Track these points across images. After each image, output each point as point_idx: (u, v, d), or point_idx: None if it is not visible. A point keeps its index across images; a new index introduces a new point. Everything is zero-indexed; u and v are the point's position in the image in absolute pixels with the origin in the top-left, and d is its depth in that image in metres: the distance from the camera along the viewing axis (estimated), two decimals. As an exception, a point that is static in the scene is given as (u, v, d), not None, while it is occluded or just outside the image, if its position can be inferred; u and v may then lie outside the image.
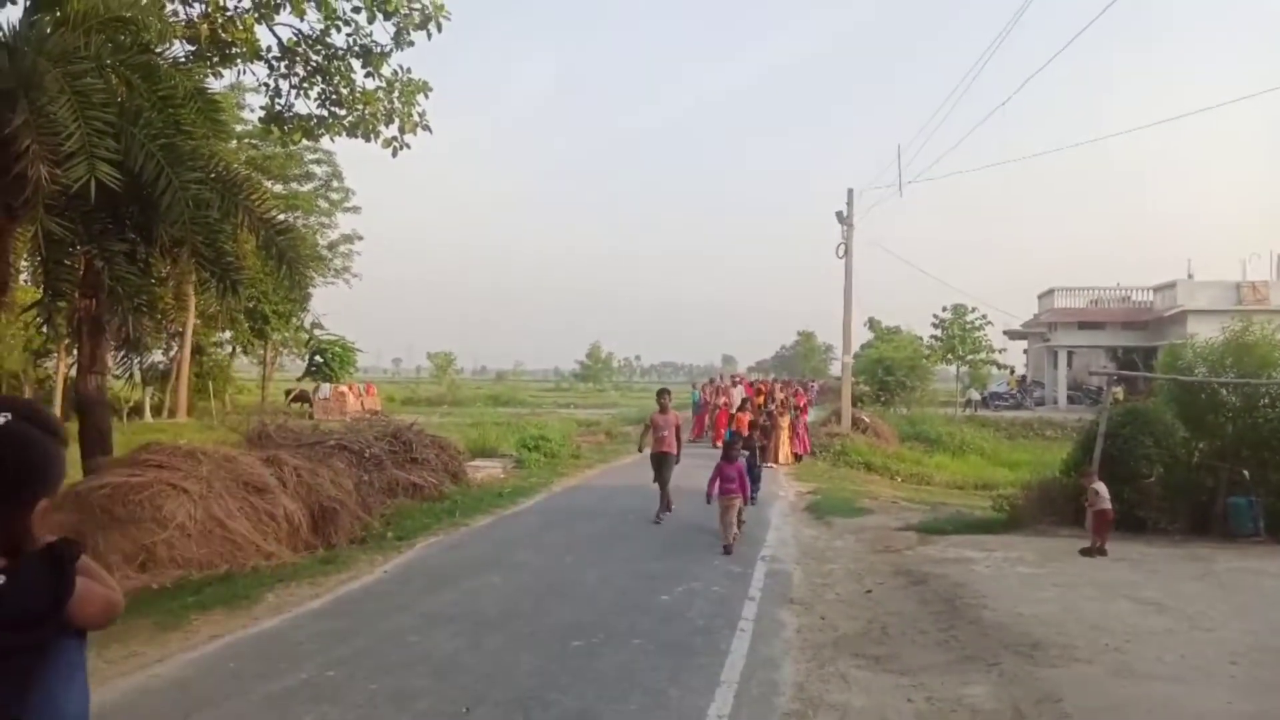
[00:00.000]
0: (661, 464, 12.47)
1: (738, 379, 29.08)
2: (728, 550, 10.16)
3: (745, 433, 16.82)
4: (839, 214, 26.23)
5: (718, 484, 10.66)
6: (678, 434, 12.57)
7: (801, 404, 25.93)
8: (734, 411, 22.80)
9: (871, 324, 49.90)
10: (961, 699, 5.53)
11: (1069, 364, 43.97)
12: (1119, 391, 21.81)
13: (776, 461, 20.49)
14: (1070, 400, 41.92)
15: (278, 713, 5.08)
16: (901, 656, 6.50)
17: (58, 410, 29.78)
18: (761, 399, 24.11)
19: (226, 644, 6.48)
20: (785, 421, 22.00)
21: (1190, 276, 40.60)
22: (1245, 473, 11.45)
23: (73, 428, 14.04)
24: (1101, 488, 10.44)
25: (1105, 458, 11.57)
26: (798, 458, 22.22)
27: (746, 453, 11.91)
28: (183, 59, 11.82)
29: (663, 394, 13.11)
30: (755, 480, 13.12)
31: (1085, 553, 10.05)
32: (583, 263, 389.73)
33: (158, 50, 10.49)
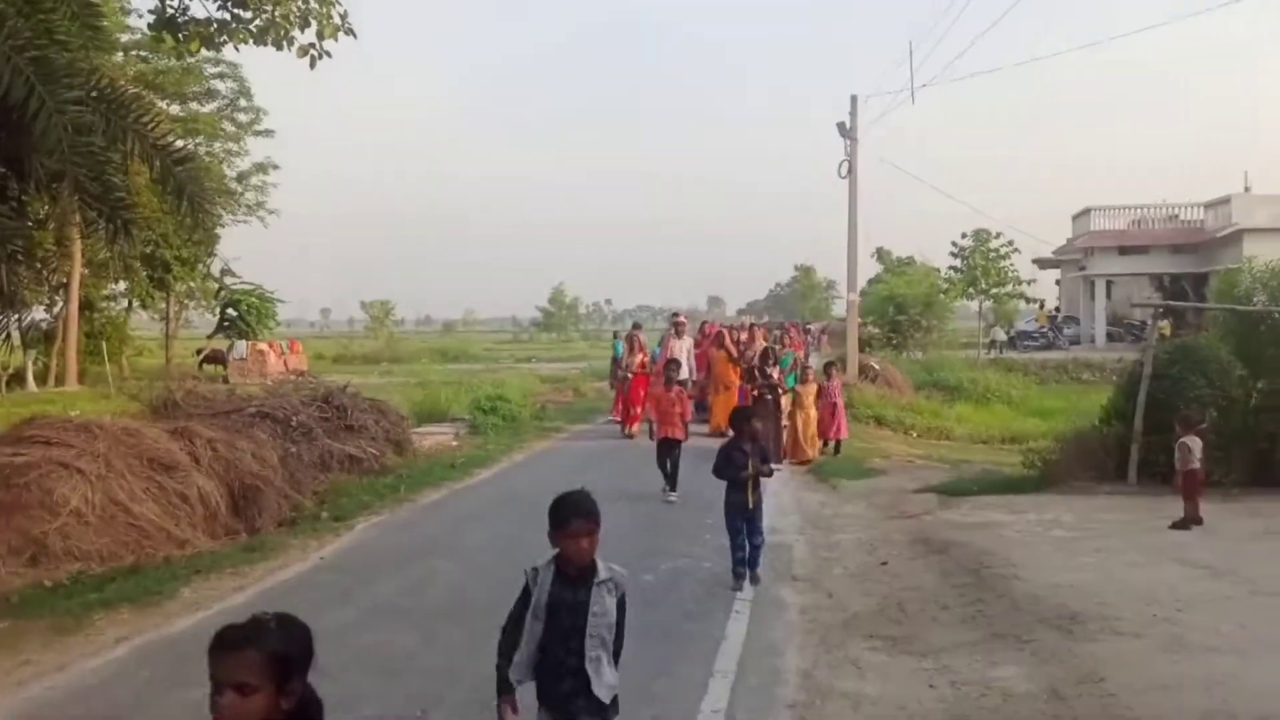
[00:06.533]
0: None
1: (679, 321, 19.75)
2: None
3: (675, 431, 11.87)
4: (840, 126, 26.10)
5: None
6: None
7: (800, 351, 20.46)
8: (653, 370, 16.65)
9: (880, 255, 50.00)
10: (991, 682, 5.64)
11: (1108, 295, 44.41)
12: (1165, 326, 22.10)
13: (792, 456, 15.62)
14: (1110, 337, 42.45)
15: (200, 725, 5.08)
16: (922, 636, 6.61)
17: (-77, 381, 29.34)
18: (731, 348, 18.15)
19: (136, 648, 6.47)
20: (810, 392, 16.10)
21: (1247, 189, 40.93)
22: (1311, 415, 11.65)
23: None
24: (1194, 443, 9.81)
25: (1150, 402, 11.73)
26: (826, 446, 16.40)
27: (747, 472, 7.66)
28: (50, -47, 11.44)
29: None
30: (754, 526, 7.88)
31: (1177, 526, 9.61)
32: (542, 192, 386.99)
33: (19, -56, 10.13)
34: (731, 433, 8.24)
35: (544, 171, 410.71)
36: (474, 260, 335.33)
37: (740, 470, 7.68)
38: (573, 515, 3.63)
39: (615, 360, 21.74)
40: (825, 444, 16.42)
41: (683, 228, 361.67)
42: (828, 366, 18.11)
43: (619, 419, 18.94)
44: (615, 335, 25.32)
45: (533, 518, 11.15)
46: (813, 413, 16.04)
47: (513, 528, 10.05)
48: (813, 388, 16.31)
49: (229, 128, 41.06)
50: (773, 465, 9.08)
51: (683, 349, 18.01)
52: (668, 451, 11.86)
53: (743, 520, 7.70)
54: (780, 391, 15.88)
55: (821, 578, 8.35)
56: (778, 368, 16.36)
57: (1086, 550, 8.81)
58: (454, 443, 17.29)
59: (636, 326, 22.07)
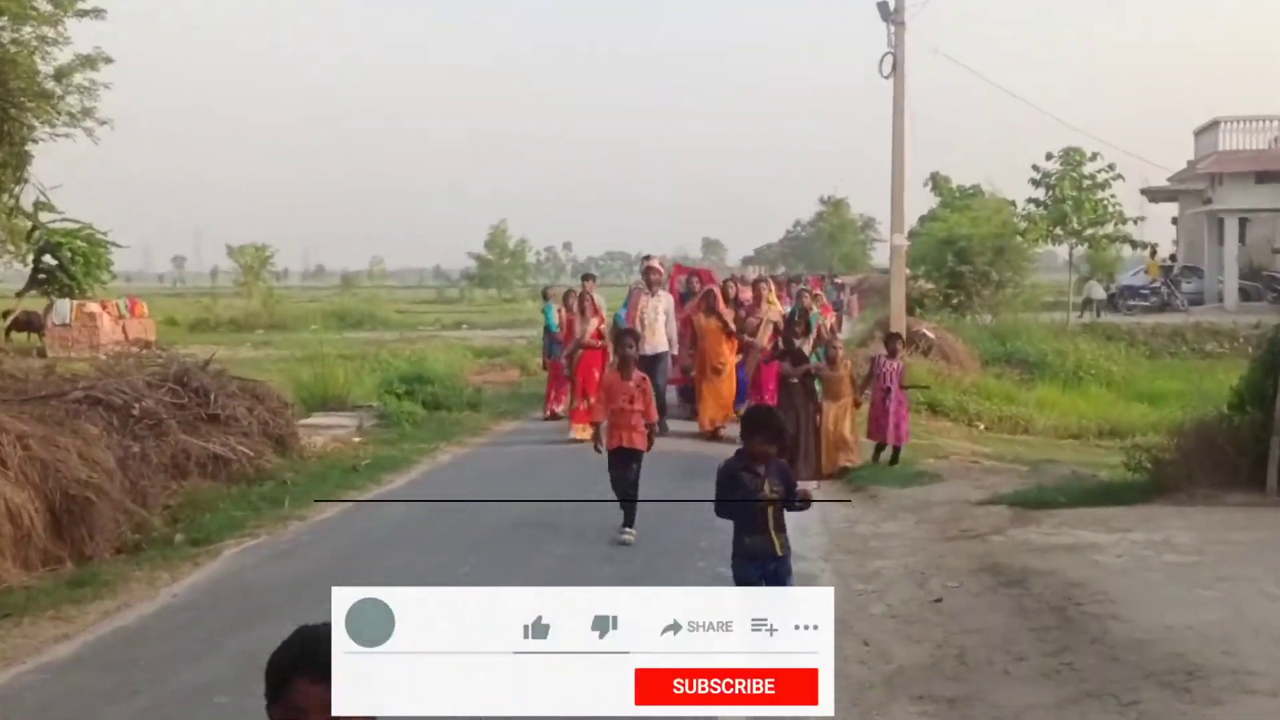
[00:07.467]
0: None
1: (651, 268, 19.02)
2: None
3: (634, 438, 10.83)
4: (882, 7, 26.10)
5: None
6: None
7: (830, 318, 19.49)
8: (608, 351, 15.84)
9: (936, 184, 49.93)
10: (1081, 757, 5.69)
11: (1241, 238, 44.61)
12: (1318, 279, 22.24)
13: (820, 474, 14.73)
14: (1243, 294, 42.64)
15: (10, 822, 5.08)
16: (989, 696, 6.67)
17: None
18: (725, 314, 17.32)
19: (-77, 717, 6.45)
20: (840, 378, 15.40)
21: None
22: None
23: None
24: None
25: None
26: (889, 452, 15.58)
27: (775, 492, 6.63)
28: None
29: None
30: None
31: None
32: (475, 92, 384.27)
33: None
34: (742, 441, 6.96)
35: (483, 66, 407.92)
36: (385, 190, 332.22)
37: (754, 496, 6.59)
38: (294, 672, 2.81)
39: (549, 332, 20.99)
40: (879, 451, 15.68)
41: (669, 145, 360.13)
42: (891, 339, 17.10)
43: (558, 411, 18.62)
44: (545, 295, 23.60)
45: (464, 538, 11.19)
46: (846, 402, 15.39)
47: (439, 552, 10.06)
48: (844, 371, 15.62)
49: (43, 6, 40.58)
50: (807, 487, 8.10)
51: (657, 310, 17.48)
52: (624, 467, 10.97)
53: (762, 576, 6.59)
54: (815, 374, 15.16)
55: (855, 619, 8.37)
56: (809, 340, 15.56)
57: (1209, 581, 8.85)
58: (356, 439, 17.28)
59: (588, 278, 19.80)
